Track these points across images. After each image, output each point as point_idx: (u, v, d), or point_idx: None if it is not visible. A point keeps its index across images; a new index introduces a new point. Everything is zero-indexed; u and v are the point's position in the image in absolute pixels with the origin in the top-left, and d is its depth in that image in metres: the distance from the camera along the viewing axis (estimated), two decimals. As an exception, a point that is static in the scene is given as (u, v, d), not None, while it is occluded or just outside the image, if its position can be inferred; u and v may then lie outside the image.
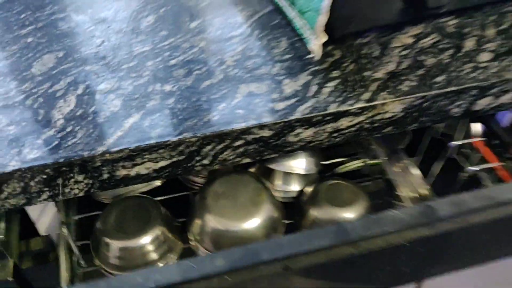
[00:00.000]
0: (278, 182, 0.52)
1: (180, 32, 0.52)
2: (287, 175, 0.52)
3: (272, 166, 0.50)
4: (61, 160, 0.40)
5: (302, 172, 0.51)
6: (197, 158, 0.43)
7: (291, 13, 0.50)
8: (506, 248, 0.53)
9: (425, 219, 0.41)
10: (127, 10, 0.56)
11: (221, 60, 0.48)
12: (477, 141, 0.54)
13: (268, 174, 0.52)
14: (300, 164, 0.51)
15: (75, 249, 0.49)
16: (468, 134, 0.60)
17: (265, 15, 0.53)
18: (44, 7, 0.56)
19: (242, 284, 0.41)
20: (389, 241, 0.41)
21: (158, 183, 0.55)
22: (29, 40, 0.52)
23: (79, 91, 0.45)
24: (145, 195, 0.52)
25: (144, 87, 0.45)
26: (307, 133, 0.44)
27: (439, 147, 0.62)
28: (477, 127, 0.61)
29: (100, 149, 0.40)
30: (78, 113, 0.43)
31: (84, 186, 0.42)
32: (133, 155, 0.41)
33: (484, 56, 0.48)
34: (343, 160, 0.57)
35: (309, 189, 0.51)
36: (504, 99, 0.48)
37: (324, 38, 0.45)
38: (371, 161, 0.55)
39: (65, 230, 0.48)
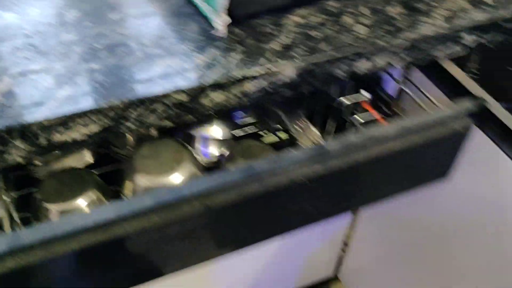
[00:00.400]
0: (198, 146, 0.59)
1: (103, 23, 0.59)
2: (207, 140, 0.60)
3: (192, 132, 0.58)
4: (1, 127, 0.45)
5: (220, 137, 0.59)
6: (124, 122, 0.50)
7: (197, 1, 0.58)
8: (398, 185, 0.63)
9: (318, 156, 0.50)
10: (52, 7, 0.62)
11: (140, 43, 0.55)
12: (365, 102, 0.65)
13: (189, 140, 0.59)
14: (216, 130, 0.59)
15: (17, 220, 0.54)
16: (359, 99, 0.71)
17: (175, 5, 0.62)
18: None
19: (170, 224, 0.48)
20: (290, 177, 0.50)
21: (90, 160, 0.61)
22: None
23: (13, 72, 0.51)
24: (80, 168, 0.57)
25: (73, 66, 0.52)
26: (218, 96, 0.52)
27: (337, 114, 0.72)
28: (367, 94, 0.72)
29: (37, 116, 0.46)
30: (14, 89, 0.49)
31: (24, 152, 0.48)
32: (67, 120, 0.47)
33: (360, 29, 0.58)
34: (254, 122, 0.65)
35: (226, 151, 0.59)
36: (378, 61, 0.58)
37: (227, 18, 0.54)
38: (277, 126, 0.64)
39: (7, 199, 0.53)
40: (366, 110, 0.64)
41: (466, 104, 0.58)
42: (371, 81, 0.74)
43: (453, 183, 0.68)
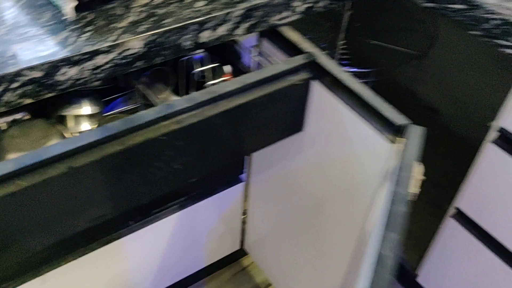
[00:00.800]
0: (71, 125, 0.64)
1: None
2: (77, 118, 0.65)
3: (63, 113, 0.63)
4: None
5: (89, 112, 0.65)
6: (-17, 102, 0.54)
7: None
8: (260, 139, 0.72)
9: (168, 113, 0.57)
10: None
11: (-3, 33, 0.60)
12: (226, 75, 0.73)
13: (62, 120, 0.64)
14: (85, 107, 0.65)
15: None
16: (221, 73, 0.79)
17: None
18: None
19: (36, 189, 0.52)
20: (146, 136, 0.57)
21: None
22: None
23: None
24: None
25: None
26: (72, 71, 0.58)
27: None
28: (228, 68, 0.81)
29: None
30: None
31: None
32: None
33: (199, 4, 0.66)
34: (119, 96, 0.71)
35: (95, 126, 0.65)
36: (220, 31, 0.67)
37: (74, 2, 0.60)
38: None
39: None
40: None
41: (298, 59, 0.67)
42: (232, 56, 0.82)
43: (307, 134, 0.78)
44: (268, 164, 0.96)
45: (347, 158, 0.74)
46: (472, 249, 0.94)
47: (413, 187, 0.56)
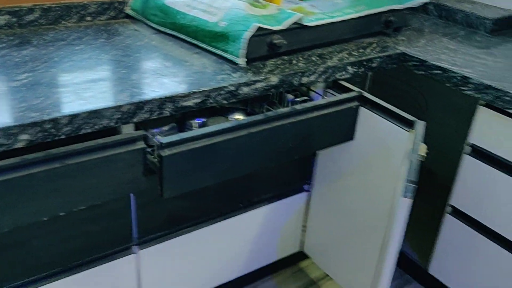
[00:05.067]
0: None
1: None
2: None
3: (229, 117, 1.19)
4: None
5: (242, 117, 1.20)
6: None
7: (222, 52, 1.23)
8: (326, 141, 1.26)
9: (287, 112, 1.13)
10: None
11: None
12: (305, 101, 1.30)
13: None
14: (238, 115, 1.20)
15: None
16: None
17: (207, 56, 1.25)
18: None
19: (227, 143, 1.06)
20: (280, 123, 1.12)
21: None
22: None
23: None
24: None
25: (177, 82, 1.12)
26: (245, 89, 1.14)
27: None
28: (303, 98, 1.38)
29: None
30: None
31: None
32: None
33: (300, 64, 1.25)
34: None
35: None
36: (309, 79, 1.25)
37: (244, 59, 1.18)
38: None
39: None
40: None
41: (352, 93, 1.25)
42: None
43: (357, 141, 1.33)
44: (329, 177, 1.48)
45: (383, 147, 1.28)
46: (470, 239, 1.41)
47: (421, 154, 1.10)
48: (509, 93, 1.16)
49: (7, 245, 1.06)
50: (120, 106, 0.96)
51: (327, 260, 1.58)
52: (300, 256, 1.73)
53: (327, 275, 1.67)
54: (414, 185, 0.93)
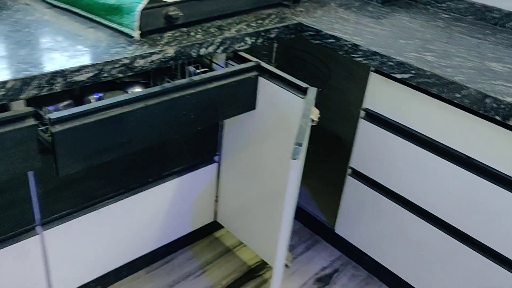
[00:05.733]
0: (131, 97, 1.19)
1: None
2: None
3: (127, 90, 1.18)
4: None
5: (139, 90, 1.20)
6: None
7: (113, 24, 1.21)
8: (228, 111, 1.29)
9: (186, 83, 1.15)
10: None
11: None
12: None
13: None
14: (138, 88, 1.20)
15: None
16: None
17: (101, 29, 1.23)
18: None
19: (130, 114, 1.07)
20: (178, 94, 1.13)
21: None
22: None
23: None
24: None
25: None
26: (141, 62, 1.14)
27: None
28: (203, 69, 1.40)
29: None
30: None
31: None
32: None
33: (198, 36, 1.27)
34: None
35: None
36: (208, 50, 1.27)
37: (138, 31, 1.18)
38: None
39: None
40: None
41: (250, 63, 1.28)
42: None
43: (257, 112, 1.37)
44: (235, 147, 1.52)
45: (282, 115, 1.33)
46: (371, 199, 1.51)
47: (313, 118, 1.16)
48: (393, 58, 1.25)
49: None
50: (4, 82, 0.93)
51: (240, 228, 1.64)
52: (215, 226, 1.77)
53: (242, 243, 1.73)
54: (300, 147, 0.98)
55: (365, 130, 1.44)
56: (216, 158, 1.59)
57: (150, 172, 1.43)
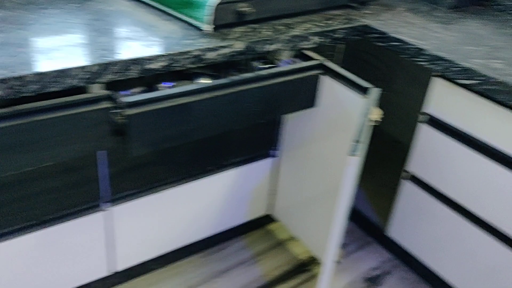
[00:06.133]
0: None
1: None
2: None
3: (195, 81, 1.25)
4: None
5: (208, 81, 1.26)
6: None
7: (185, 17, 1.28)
8: (289, 107, 1.33)
9: (252, 77, 1.19)
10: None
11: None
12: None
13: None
14: (205, 80, 1.26)
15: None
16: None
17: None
18: None
19: (196, 103, 1.12)
20: (245, 87, 1.18)
21: None
22: None
23: None
24: None
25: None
26: (210, 55, 1.20)
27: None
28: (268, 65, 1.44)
29: None
30: None
31: None
32: None
33: (268, 32, 1.31)
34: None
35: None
36: (273, 46, 1.31)
37: (211, 26, 1.24)
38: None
39: None
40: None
41: (314, 61, 1.31)
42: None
43: (318, 109, 1.40)
44: (295, 143, 1.55)
45: (343, 113, 1.35)
46: (425, 203, 1.50)
47: (374, 118, 1.17)
48: (458, 64, 1.24)
49: (-19, 198, 1.12)
50: (86, 66, 1.01)
51: (295, 222, 1.67)
52: (268, 219, 1.81)
53: (292, 237, 1.76)
54: (358, 144, 1.01)
55: (425, 134, 1.43)
56: (273, 153, 1.63)
57: (210, 161, 1.49)
